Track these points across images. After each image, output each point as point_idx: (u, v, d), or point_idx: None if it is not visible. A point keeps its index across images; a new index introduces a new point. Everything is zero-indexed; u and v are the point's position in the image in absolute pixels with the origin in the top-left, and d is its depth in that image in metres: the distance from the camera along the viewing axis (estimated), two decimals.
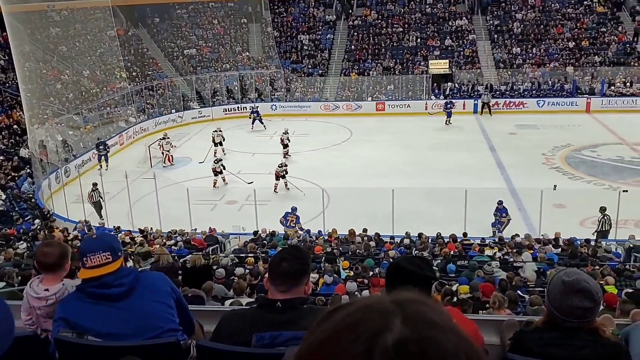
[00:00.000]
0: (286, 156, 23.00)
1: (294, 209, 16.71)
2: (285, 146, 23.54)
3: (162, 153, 23.60)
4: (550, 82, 31.83)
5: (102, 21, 31.10)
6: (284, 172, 19.75)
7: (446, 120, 28.12)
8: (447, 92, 32.15)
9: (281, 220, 16.65)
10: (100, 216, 18.31)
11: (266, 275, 2.66)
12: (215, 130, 24.29)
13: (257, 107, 29.33)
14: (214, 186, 20.22)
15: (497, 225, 16.16)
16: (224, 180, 20.53)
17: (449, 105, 28.70)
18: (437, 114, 28.93)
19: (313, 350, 0.68)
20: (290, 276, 2.47)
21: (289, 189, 19.75)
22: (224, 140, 24.33)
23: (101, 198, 18.58)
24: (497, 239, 14.17)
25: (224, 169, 20.45)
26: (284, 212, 16.91)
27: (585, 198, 17.13)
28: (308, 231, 15.56)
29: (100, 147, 22.94)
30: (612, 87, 30.74)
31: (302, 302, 2.50)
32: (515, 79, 32.52)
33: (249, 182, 19.70)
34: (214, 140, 23.94)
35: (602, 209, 15.20)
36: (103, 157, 22.74)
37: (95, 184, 18.59)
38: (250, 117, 28.40)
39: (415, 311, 0.69)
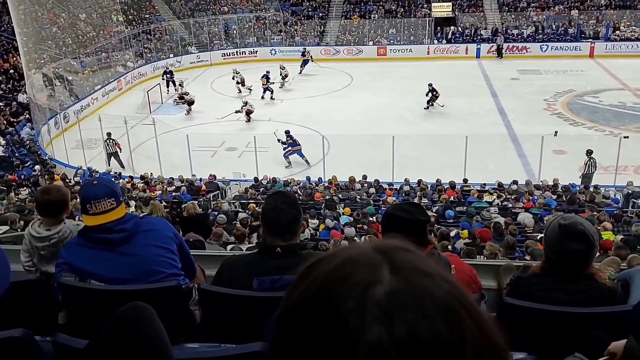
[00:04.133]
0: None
1: None
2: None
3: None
4: (554, 26, 31.26)
5: None
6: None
7: None
8: (450, 37, 31.64)
9: None
10: (121, 165, 17.85)
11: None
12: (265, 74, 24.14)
13: (170, 67, 27.10)
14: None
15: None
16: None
17: None
18: None
19: (298, 310, 0.66)
20: (292, 223, 2.49)
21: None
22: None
23: (119, 149, 17.95)
24: (496, 185, 14.21)
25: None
26: (283, 159, 16.92)
27: (586, 144, 17.07)
28: (308, 178, 15.60)
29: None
30: (617, 32, 30.21)
31: (301, 247, 2.53)
32: (519, 23, 31.93)
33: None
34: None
35: (589, 152, 15.16)
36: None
37: (109, 134, 17.87)
38: (163, 78, 25.63)
39: (403, 260, 0.67)
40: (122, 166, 17.90)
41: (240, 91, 24.49)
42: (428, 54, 30.65)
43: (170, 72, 26.10)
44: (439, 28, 32.13)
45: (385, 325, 0.60)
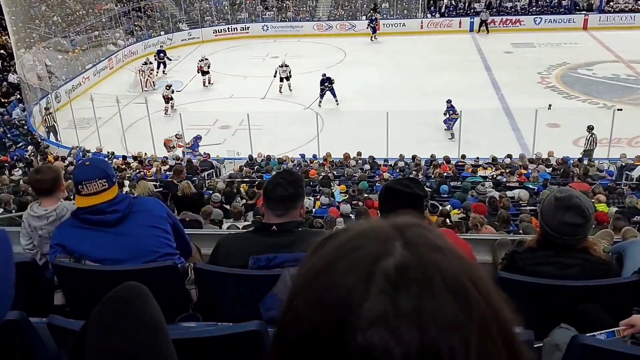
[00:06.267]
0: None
1: None
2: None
3: (143, 79, 23.05)
4: None
5: None
6: None
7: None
8: (443, 10, 31.36)
9: None
10: (57, 139, 18.83)
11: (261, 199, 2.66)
12: (281, 66, 22.10)
13: (162, 45, 26.79)
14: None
15: (449, 122, 17.15)
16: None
17: None
18: None
19: (309, 280, 0.66)
20: (286, 200, 2.48)
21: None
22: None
23: (55, 123, 18.91)
24: (490, 160, 14.21)
25: None
26: (277, 136, 16.83)
27: (580, 117, 17.08)
28: (302, 155, 15.56)
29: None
30: (611, 3, 30.02)
31: (297, 225, 2.52)
32: None
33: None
34: (278, 75, 22.07)
35: (590, 128, 15.15)
36: None
37: (47, 108, 19.03)
38: (155, 59, 24.96)
39: (416, 234, 0.66)
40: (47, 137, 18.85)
41: (210, 82, 23.23)
42: (421, 28, 30.39)
43: (164, 52, 25.55)
44: (432, 2, 31.81)
45: (391, 297, 0.59)
